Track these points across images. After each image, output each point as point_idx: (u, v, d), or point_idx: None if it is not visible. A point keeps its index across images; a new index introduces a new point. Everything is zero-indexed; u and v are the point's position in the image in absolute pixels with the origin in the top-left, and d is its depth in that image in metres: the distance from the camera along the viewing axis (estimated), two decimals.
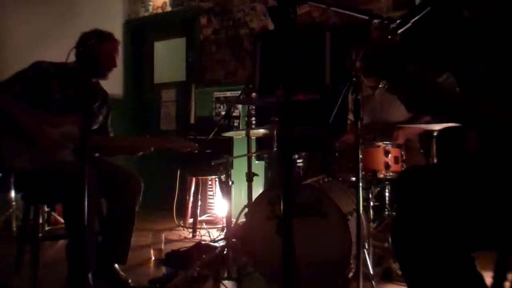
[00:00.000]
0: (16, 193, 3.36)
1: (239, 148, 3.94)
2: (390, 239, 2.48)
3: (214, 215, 4.42)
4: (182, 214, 4.18)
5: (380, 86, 2.99)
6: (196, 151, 2.53)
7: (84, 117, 2.02)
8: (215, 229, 4.00)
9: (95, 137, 2.42)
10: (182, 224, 4.11)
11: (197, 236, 3.80)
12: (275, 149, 2.77)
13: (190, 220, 4.08)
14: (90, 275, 2.15)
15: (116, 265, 2.38)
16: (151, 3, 5.48)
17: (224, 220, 3.54)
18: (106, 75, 2.47)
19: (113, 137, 2.65)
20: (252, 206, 2.56)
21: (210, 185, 4.48)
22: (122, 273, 2.37)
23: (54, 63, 2.38)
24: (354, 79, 1.99)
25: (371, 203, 2.49)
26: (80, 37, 2.44)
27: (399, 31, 1.30)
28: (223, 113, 4.77)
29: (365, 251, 2.27)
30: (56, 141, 2.23)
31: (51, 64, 2.37)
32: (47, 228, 3.87)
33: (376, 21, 1.68)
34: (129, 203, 2.41)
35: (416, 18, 1.28)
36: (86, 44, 2.39)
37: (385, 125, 2.97)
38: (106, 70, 2.45)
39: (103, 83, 2.61)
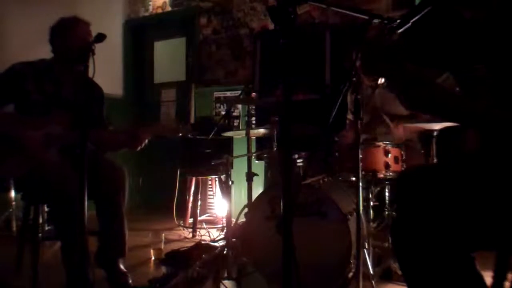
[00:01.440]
0: (16, 193, 3.35)
1: (239, 148, 3.94)
2: (390, 239, 2.49)
3: (214, 215, 4.42)
4: (182, 214, 4.18)
5: (379, 83, 2.99)
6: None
7: (79, 114, 1.93)
8: (215, 229, 4.00)
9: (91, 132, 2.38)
10: (182, 224, 4.11)
11: (197, 236, 3.80)
12: (275, 149, 2.77)
13: (190, 220, 4.08)
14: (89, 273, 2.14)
15: (121, 265, 2.36)
16: (151, 3, 5.48)
17: (224, 220, 3.54)
18: (87, 59, 2.25)
19: (110, 130, 2.57)
20: (252, 206, 2.56)
21: (210, 185, 4.48)
22: (124, 270, 2.35)
23: (30, 63, 2.35)
24: (354, 79, 1.99)
25: (371, 203, 2.49)
26: (51, 30, 2.39)
27: (399, 30, 1.30)
28: (223, 113, 4.77)
29: (365, 251, 2.27)
30: (40, 144, 2.20)
31: (27, 65, 2.34)
32: (47, 228, 3.87)
33: (376, 21, 1.68)
34: (113, 195, 2.33)
35: (416, 18, 1.28)
36: (60, 36, 2.36)
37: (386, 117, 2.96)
38: (85, 54, 2.26)
39: (103, 82, 2.59)
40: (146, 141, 2.39)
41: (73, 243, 2.09)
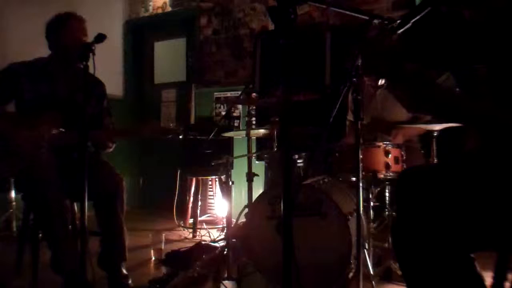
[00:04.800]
0: (16, 193, 3.36)
1: (239, 148, 3.94)
2: (390, 239, 2.49)
3: (214, 215, 4.42)
4: (182, 214, 4.18)
5: (380, 83, 2.99)
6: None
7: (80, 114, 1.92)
8: (215, 229, 4.00)
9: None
10: (182, 224, 4.11)
11: (197, 236, 3.80)
12: (275, 149, 2.77)
13: (190, 220, 4.08)
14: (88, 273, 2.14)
15: (123, 268, 2.35)
16: (151, 3, 5.48)
17: (224, 220, 3.54)
18: (80, 59, 2.03)
19: (109, 130, 2.55)
20: (252, 206, 2.56)
21: (210, 185, 4.48)
22: (125, 273, 2.35)
23: (25, 63, 2.35)
24: (354, 79, 1.98)
25: (371, 203, 2.49)
26: (47, 25, 2.39)
27: (399, 31, 1.30)
28: (223, 113, 4.77)
29: (365, 251, 2.27)
30: (31, 144, 2.19)
31: (22, 64, 2.34)
32: None
33: (376, 21, 1.68)
34: (109, 204, 2.31)
35: (416, 18, 1.28)
36: (54, 32, 2.35)
37: (384, 125, 2.97)
38: (77, 53, 2.02)
39: (103, 81, 2.57)
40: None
41: (56, 243, 2.10)
